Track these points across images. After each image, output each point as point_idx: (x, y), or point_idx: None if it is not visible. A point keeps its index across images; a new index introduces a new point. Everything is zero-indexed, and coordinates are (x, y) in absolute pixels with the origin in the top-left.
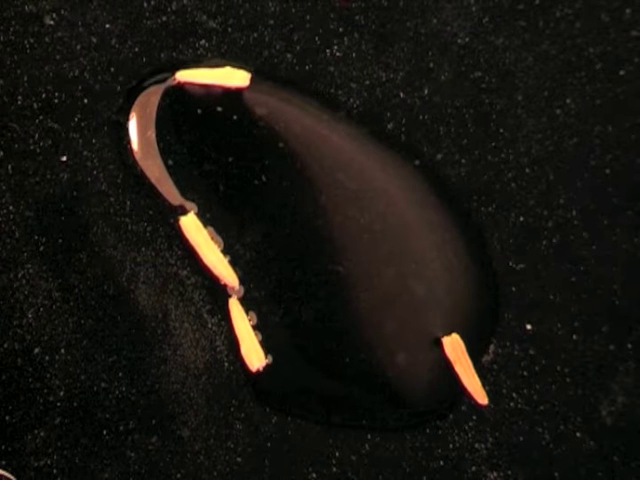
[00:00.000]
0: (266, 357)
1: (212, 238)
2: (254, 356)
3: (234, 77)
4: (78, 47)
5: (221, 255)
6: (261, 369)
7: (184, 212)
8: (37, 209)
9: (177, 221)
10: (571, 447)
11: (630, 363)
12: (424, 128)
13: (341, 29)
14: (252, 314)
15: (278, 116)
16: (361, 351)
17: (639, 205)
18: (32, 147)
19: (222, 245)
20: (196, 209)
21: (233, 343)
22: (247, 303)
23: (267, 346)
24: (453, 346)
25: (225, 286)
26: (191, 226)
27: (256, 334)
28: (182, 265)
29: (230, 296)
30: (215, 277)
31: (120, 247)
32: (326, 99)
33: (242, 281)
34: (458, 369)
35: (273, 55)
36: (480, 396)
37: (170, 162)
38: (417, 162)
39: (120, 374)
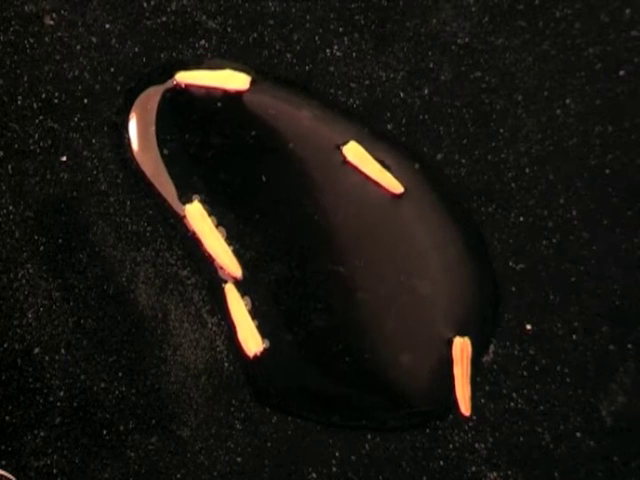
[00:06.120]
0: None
1: (216, 227)
2: (251, 341)
3: (234, 80)
4: (78, 47)
5: (225, 244)
6: (258, 354)
7: (189, 200)
8: (37, 209)
9: (181, 214)
10: (571, 447)
11: (630, 363)
12: (424, 128)
13: (341, 29)
14: (248, 301)
15: (278, 116)
16: (362, 351)
17: (639, 205)
18: (32, 147)
19: (225, 235)
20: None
21: (233, 342)
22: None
23: (267, 345)
24: (462, 348)
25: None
26: (196, 214)
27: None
28: (182, 265)
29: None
30: (217, 267)
31: (120, 247)
32: (326, 99)
33: (243, 281)
34: (456, 371)
35: (273, 55)
36: (466, 405)
37: (169, 162)
38: (417, 164)
39: (120, 374)
